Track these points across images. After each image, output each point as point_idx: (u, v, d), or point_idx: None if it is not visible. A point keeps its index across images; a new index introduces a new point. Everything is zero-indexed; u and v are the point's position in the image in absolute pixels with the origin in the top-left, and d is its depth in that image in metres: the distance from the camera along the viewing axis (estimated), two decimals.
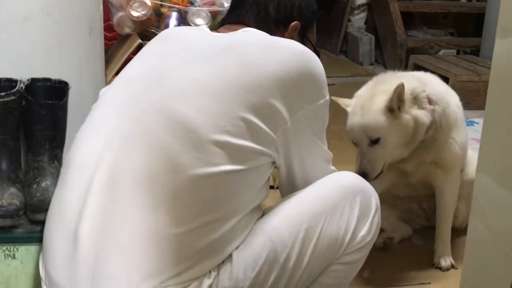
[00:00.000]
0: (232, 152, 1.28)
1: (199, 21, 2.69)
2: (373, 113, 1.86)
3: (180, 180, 1.25)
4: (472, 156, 2.25)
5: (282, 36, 1.53)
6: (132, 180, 1.25)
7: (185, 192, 1.25)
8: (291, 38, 1.52)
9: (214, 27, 2.67)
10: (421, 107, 1.90)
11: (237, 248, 1.33)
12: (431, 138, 1.95)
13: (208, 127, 1.27)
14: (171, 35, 1.56)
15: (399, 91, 1.83)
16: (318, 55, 1.47)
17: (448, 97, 2.01)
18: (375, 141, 1.87)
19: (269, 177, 1.41)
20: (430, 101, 1.92)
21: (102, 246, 1.24)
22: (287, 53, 1.39)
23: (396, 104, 1.84)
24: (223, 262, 1.31)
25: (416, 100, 1.90)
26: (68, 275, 1.28)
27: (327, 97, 1.45)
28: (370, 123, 1.87)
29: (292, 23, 1.57)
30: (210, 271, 1.29)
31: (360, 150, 1.91)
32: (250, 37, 1.45)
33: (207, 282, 1.28)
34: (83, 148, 1.36)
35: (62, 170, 1.42)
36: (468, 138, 2.21)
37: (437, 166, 2.03)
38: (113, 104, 1.38)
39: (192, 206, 1.26)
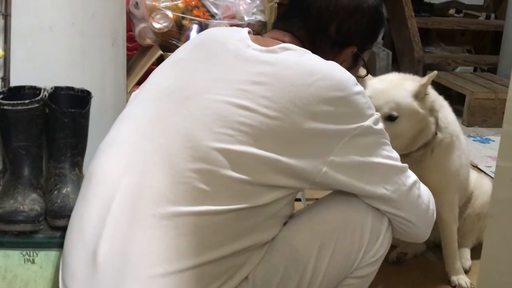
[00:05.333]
0: (253, 189, 1.27)
1: None
2: (404, 91, 1.82)
3: (203, 213, 1.24)
4: (480, 186, 2.20)
5: (334, 58, 1.43)
6: (153, 212, 1.24)
7: (207, 224, 1.24)
8: (344, 60, 1.48)
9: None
10: (433, 116, 1.88)
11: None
12: (419, 157, 1.91)
13: (229, 165, 1.25)
14: (209, 42, 1.46)
15: (432, 78, 1.81)
16: (369, 73, 1.43)
17: (453, 127, 1.97)
18: (391, 119, 1.81)
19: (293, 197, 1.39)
20: (437, 126, 1.90)
21: (121, 274, 1.23)
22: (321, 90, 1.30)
23: (424, 92, 1.82)
24: (240, 283, 1.31)
25: (431, 111, 1.87)
26: None
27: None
28: (398, 98, 1.81)
29: (350, 47, 1.49)
30: None
31: None
32: (289, 69, 1.32)
33: None
34: (105, 165, 1.36)
35: (84, 183, 1.41)
36: (485, 159, 2.17)
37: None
38: (140, 125, 1.36)
39: (213, 238, 1.25)
